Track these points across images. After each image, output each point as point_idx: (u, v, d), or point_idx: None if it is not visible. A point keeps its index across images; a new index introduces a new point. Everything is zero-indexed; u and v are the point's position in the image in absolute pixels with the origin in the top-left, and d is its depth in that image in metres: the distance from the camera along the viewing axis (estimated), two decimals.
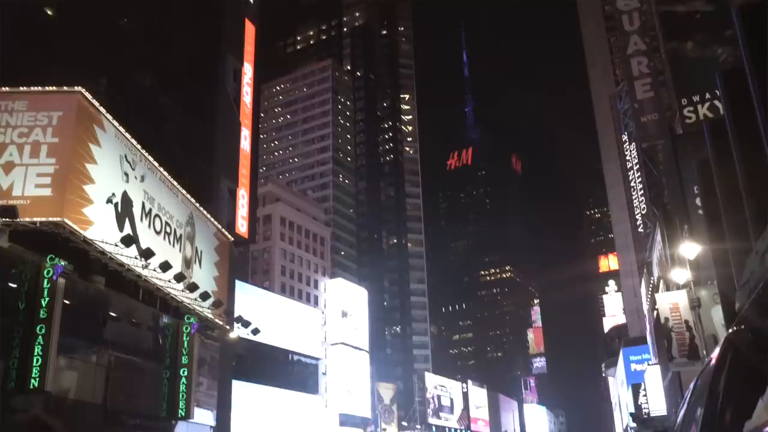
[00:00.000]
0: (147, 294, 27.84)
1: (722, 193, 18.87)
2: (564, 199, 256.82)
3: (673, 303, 24.35)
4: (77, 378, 24.53)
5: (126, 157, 26.37)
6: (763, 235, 12.10)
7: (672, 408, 34.38)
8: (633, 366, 57.51)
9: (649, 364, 46.45)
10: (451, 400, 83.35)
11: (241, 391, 45.05)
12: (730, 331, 2.94)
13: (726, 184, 18.05)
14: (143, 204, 27.47)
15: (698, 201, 24.01)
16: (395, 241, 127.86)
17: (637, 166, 52.18)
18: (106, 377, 25.19)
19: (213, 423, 33.93)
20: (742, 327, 3.08)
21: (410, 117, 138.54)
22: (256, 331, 35.99)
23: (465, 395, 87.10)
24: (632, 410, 49.48)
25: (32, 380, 20.29)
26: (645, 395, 45.10)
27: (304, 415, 56.82)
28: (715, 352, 2.93)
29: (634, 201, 56.79)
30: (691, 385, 3.73)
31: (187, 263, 30.88)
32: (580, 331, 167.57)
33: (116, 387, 25.53)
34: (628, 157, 56.76)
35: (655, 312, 30.96)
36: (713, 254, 20.36)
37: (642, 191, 52.28)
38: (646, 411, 42.10)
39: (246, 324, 34.89)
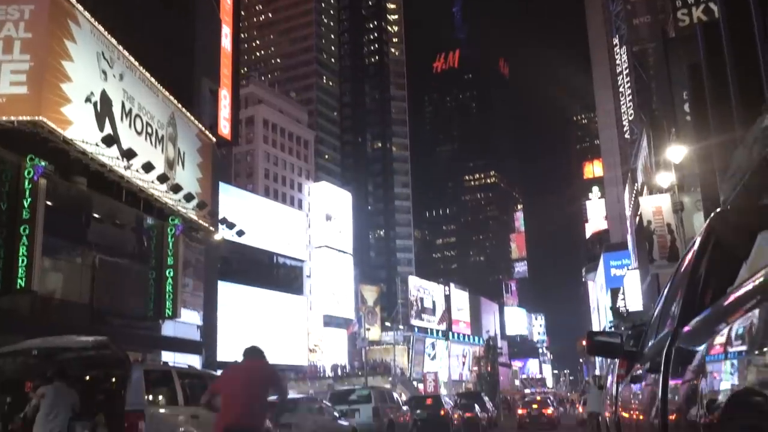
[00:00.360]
0: (130, 195, 27.65)
1: (711, 97, 18.71)
2: (551, 105, 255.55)
3: (656, 206, 24.58)
4: (63, 279, 24.72)
5: (103, 54, 25.59)
6: (751, 129, 12.06)
7: (650, 304, 35.26)
8: (613, 271, 58.77)
9: (628, 269, 47.42)
10: (434, 302, 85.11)
11: (227, 291, 45.76)
12: (712, 215, 2.84)
13: (716, 88, 17.88)
14: (123, 103, 26.89)
15: (687, 107, 23.81)
16: (380, 144, 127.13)
17: (627, 70, 51.53)
18: (91, 278, 25.38)
19: (200, 322, 34.54)
20: (728, 208, 3.01)
21: (396, 17, 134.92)
22: (240, 233, 36.18)
23: (447, 298, 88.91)
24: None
25: (18, 280, 20.41)
26: (623, 299, 46.22)
27: (289, 315, 58.03)
28: (696, 240, 2.85)
29: (622, 106, 56.46)
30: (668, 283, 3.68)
31: (170, 164, 30.59)
32: (561, 236, 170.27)
33: (102, 287, 25.77)
34: (617, 61, 56.01)
35: (638, 216, 31.33)
36: (698, 153, 20.35)
37: (630, 96, 51.86)
38: (624, 311, 43.28)
39: (231, 226, 35.02)
